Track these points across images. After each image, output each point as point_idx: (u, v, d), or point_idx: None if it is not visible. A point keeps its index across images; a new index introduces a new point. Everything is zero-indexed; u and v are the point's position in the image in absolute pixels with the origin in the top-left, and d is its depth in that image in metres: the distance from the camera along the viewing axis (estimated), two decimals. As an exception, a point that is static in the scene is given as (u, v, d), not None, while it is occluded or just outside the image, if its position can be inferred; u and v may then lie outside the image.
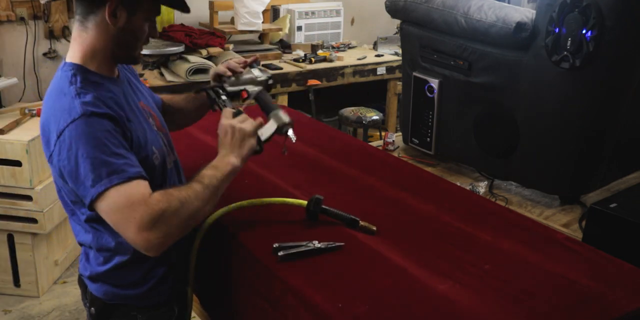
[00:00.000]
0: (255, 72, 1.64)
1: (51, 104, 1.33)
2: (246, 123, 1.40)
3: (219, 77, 1.67)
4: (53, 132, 1.28)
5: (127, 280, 1.47)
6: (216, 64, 3.68)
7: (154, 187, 1.34)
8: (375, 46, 4.67)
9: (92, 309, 1.52)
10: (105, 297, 1.49)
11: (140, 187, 1.26)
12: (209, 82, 1.71)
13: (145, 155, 1.39)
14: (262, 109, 1.56)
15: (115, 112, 1.31)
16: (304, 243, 1.37)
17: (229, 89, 1.61)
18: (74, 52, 1.39)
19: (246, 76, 1.64)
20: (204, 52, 3.74)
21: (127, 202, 1.23)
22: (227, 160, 1.37)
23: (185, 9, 1.47)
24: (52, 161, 1.30)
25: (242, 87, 1.62)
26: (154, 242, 1.24)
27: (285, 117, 1.47)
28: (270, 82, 1.65)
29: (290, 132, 1.46)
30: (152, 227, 1.23)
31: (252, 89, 1.62)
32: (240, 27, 4.05)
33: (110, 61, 1.41)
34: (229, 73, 1.65)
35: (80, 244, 1.50)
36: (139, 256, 1.35)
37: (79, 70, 1.36)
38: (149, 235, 1.23)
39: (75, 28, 1.38)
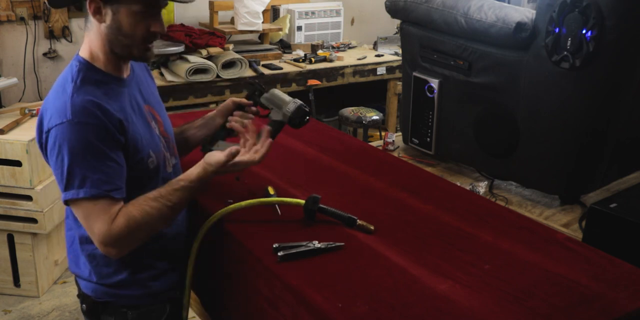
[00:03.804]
0: (291, 106, 1.64)
1: (54, 95, 1.35)
2: (248, 162, 1.45)
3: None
4: (45, 122, 1.33)
5: (112, 279, 1.47)
6: (216, 64, 3.68)
7: (143, 188, 1.38)
8: (375, 46, 4.67)
9: (84, 305, 1.53)
10: (94, 294, 1.49)
11: (103, 207, 1.30)
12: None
13: (140, 158, 1.40)
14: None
15: (108, 116, 1.31)
16: (304, 243, 1.37)
17: (262, 100, 1.65)
18: (84, 46, 1.41)
19: (283, 101, 1.65)
20: (204, 52, 3.73)
21: (90, 218, 1.31)
22: (204, 180, 1.41)
23: None
24: (41, 144, 1.36)
25: (271, 106, 1.65)
26: (113, 254, 1.35)
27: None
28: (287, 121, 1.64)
29: None
30: (111, 244, 1.33)
31: (276, 116, 1.63)
32: (240, 27, 4.05)
33: (115, 59, 1.40)
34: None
35: (68, 239, 1.51)
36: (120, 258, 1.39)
37: (84, 66, 1.37)
38: (107, 249, 1.34)
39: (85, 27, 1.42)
